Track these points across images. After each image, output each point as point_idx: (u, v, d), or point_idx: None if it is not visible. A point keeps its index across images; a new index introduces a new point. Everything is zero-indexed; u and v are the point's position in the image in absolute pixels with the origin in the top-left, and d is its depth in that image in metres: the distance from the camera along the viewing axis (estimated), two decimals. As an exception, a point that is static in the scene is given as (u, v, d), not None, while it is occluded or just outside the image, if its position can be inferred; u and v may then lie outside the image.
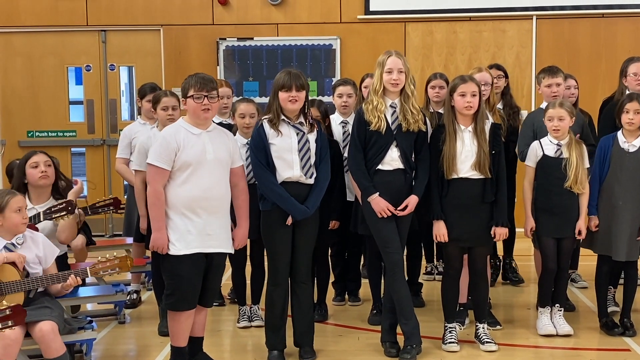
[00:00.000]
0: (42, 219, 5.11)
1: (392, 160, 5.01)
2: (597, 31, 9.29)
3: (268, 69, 9.40)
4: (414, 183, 5.06)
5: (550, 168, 5.34)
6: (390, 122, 4.99)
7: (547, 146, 5.39)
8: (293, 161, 4.91)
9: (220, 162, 4.63)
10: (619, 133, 5.41)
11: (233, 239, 4.80)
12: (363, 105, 5.11)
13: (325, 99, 8.08)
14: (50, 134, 9.77)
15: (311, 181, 4.97)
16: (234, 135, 5.57)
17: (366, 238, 5.53)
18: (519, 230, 5.89)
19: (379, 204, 4.98)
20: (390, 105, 5.01)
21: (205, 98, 4.55)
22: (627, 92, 5.85)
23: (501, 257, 6.97)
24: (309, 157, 4.95)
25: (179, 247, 4.54)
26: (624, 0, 9.25)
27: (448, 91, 5.17)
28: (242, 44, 9.47)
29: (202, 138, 4.59)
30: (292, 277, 5.04)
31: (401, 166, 5.02)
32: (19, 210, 4.61)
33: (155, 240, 4.57)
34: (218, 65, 9.43)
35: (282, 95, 4.88)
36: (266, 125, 4.93)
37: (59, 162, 5.80)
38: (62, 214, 5.13)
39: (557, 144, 5.36)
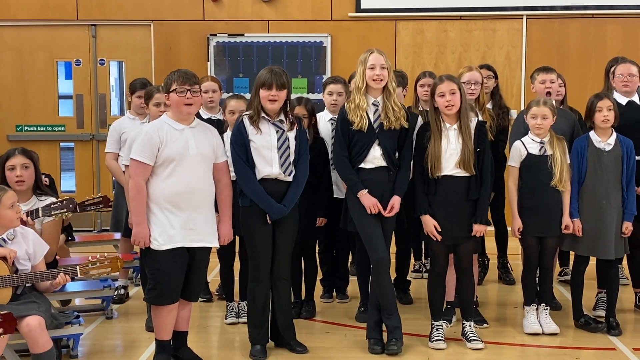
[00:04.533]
0: (40, 215, 5.06)
1: (375, 158, 5.04)
2: (587, 31, 9.33)
3: (259, 66, 9.35)
4: (395, 182, 5.08)
5: (536, 167, 5.37)
6: (372, 121, 5.01)
7: (530, 145, 5.42)
8: (272, 158, 4.93)
9: (203, 157, 4.66)
10: (592, 133, 5.46)
11: (218, 235, 4.81)
12: (346, 104, 5.14)
13: (316, 96, 8.10)
14: (39, 128, 9.73)
15: (290, 178, 5.00)
16: (225, 131, 5.59)
17: (355, 235, 5.54)
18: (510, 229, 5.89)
19: (370, 199, 5.00)
20: (373, 104, 5.04)
21: (188, 92, 4.59)
22: (615, 92, 5.88)
23: (489, 257, 7.00)
24: (288, 155, 4.97)
25: (160, 242, 4.56)
26: (613, 1, 9.30)
27: (430, 92, 5.20)
28: (232, 40, 9.45)
29: (184, 133, 4.62)
30: (272, 274, 5.06)
31: (384, 164, 5.05)
32: (12, 206, 4.59)
33: (137, 234, 4.59)
34: (208, 61, 9.42)
35: (263, 93, 4.90)
36: (246, 122, 4.95)
37: (38, 156, 5.68)
38: (63, 211, 5.07)
39: (540, 142, 5.40)
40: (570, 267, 6.76)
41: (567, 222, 5.39)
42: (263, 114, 4.93)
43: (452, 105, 5.04)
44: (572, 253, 5.70)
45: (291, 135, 4.99)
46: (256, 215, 4.95)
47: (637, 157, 5.47)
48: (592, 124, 5.45)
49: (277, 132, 4.94)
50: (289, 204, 4.96)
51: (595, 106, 5.40)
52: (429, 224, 5.11)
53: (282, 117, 4.99)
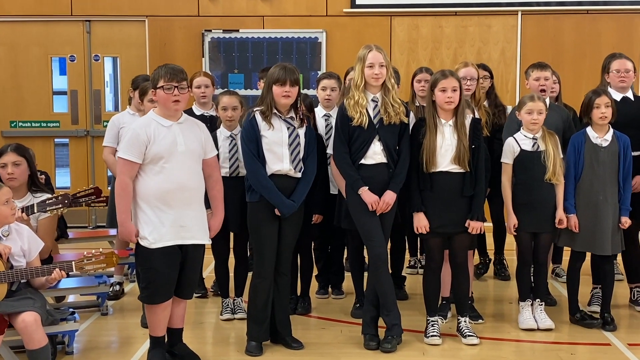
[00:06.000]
0: (35, 211, 5.05)
1: (375, 154, 5.04)
2: (582, 27, 9.35)
3: (253, 62, 9.38)
4: (392, 177, 5.08)
5: (530, 163, 5.38)
6: (372, 116, 5.01)
7: (523, 141, 5.43)
8: (283, 154, 4.95)
9: (192, 153, 4.61)
10: (589, 129, 5.47)
11: (209, 229, 4.78)
12: (345, 100, 5.14)
13: (311, 92, 8.09)
14: (33, 124, 9.70)
15: (299, 175, 5.03)
16: (219, 127, 5.58)
17: (348, 232, 5.55)
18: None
19: (371, 196, 5.00)
20: (372, 100, 5.04)
21: (176, 89, 4.53)
22: (610, 88, 5.88)
23: (490, 257, 7.03)
24: (299, 152, 5.00)
25: (151, 241, 4.53)
26: (608, -4, 9.34)
27: (429, 86, 5.20)
28: (227, 36, 9.44)
29: (173, 130, 4.57)
30: (274, 268, 5.07)
31: (384, 160, 5.05)
32: (7, 202, 4.58)
33: (122, 232, 4.58)
34: (203, 57, 9.40)
35: (276, 89, 4.92)
36: (258, 117, 4.95)
37: (34, 153, 5.67)
38: (58, 207, 5.06)
39: (533, 138, 5.41)
40: (562, 264, 6.83)
41: (561, 216, 5.41)
42: (275, 110, 4.94)
43: (452, 102, 5.04)
44: (565, 250, 5.71)
45: (301, 132, 5.02)
46: (265, 210, 4.97)
47: (633, 153, 5.49)
48: (589, 120, 5.46)
49: (288, 128, 4.97)
50: (298, 199, 4.99)
51: (593, 103, 5.40)
52: (420, 219, 5.12)
53: (292, 113, 5.01)
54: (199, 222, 4.68)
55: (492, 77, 6.57)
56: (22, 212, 4.97)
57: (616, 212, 5.42)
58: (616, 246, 5.48)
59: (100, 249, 4.76)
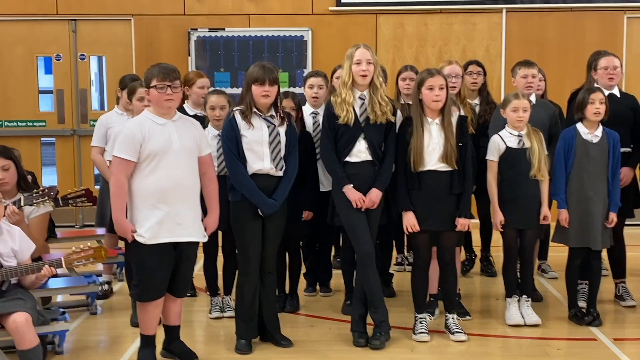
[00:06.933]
0: (23, 204, 5.05)
1: (360, 152, 5.07)
2: (566, 25, 9.41)
3: (239, 60, 9.40)
4: (377, 175, 5.11)
5: (516, 160, 5.42)
6: (358, 115, 5.04)
7: (508, 139, 5.47)
8: (264, 153, 4.96)
9: (187, 151, 4.63)
10: (579, 125, 5.51)
11: (205, 227, 4.79)
12: (332, 97, 5.16)
13: (297, 90, 8.12)
14: (19, 123, 9.67)
15: (280, 173, 5.03)
16: (207, 126, 5.60)
17: (342, 229, 5.56)
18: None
19: (355, 194, 5.03)
20: (359, 97, 5.06)
21: (169, 88, 4.54)
22: (596, 85, 5.93)
23: (477, 253, 7.07)
24: (279, 150, 5.00)
25: (147, 238, 4.54)
26: (592, -6, 9.41)
27: (416, 84, 5.22)
28: (213, 34, 9.45)
29: (167, 128, 4.58)
30: (259, 267, 5.09)
31: (369, 158, 5.07)
32: None
33: (118, 230, 4.59)
34: (189, 55, 9.40)
35: (255, 89, 4.92)
36: (238, 117, 4.96)
37: (20, 153, 5.64)
38: (44, 199, 5.07)
39: (519, 135, 5.45)
40: (547, 260, 6.89)
41: (546, 212, 5.46)
42: (254, 109, 4.96)
43: (439, 101, 5.07)
44: (557, 248, 5.73)
45: (282, 130, 5.02)
46: (247, 210, 4.98)
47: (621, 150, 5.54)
48: (582, 116, 5.50)
49: (268, 127, 4.98)
50: (279, 198, 5.00)
51: (587, 99, 5.44)
52: (409, 218, 5.14)
53: (272, 112, 5.02)
54: (194, 220, 4.69)
55: (485, 73, 6.61)
56: (14, 204, 4.97)
57: (606, 207, 5.47)
58: (606, 241, 5.53)
59: (89, 244, 4.76)
